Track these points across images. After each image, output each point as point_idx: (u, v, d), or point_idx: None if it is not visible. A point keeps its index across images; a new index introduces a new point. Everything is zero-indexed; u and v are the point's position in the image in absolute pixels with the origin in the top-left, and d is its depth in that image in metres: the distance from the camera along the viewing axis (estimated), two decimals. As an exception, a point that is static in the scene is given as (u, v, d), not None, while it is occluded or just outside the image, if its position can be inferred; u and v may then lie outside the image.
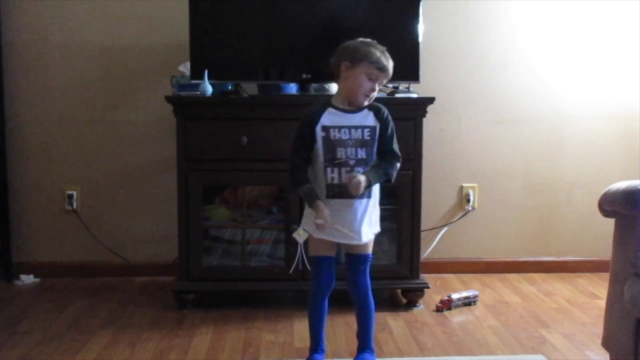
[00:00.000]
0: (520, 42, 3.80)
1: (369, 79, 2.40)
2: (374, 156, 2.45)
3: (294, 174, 2.45)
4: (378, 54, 2.40)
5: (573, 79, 3.83)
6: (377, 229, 2.54)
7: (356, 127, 2.43)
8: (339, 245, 2.53)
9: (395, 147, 2.49)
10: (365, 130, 2.43)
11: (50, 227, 3.75)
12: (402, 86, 3.33)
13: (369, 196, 2.45)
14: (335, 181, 2.42)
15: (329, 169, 2.42)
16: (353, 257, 2.52)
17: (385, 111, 2.48)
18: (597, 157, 3.87)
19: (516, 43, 3.80)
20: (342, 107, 2.45)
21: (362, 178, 2.37)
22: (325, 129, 2.43)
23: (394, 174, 2.48)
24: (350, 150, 2.42)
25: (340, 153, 2.42)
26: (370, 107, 2.47)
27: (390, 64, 2.42)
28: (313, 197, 2.40)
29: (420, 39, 3.28)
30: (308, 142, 2.43)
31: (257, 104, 3.26)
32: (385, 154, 2.46)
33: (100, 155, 3.72)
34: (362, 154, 2.42)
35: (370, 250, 2.53)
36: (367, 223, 2.47)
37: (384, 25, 3.27)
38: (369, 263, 2.53)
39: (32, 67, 3.67)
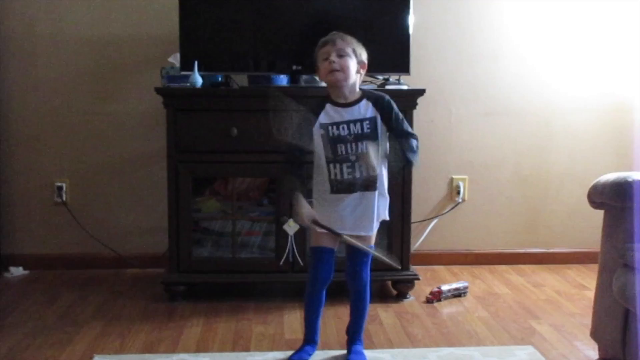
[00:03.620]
0: (510, 35, 3.81)
1: (324, 60, 2.40)
2: (382, 148, 2.43)
3: (292, 170, 2.48)
4: (324, 38, 2.43)
5: (563, 72, 3.84)
6: (384, 217, 2.53)
7: (355, 121, 2.42)
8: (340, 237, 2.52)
9: (408, 128, 2.48)
10: (365, 123, 2.42)
11: (39, 219, 3.73)
12: (393, 78, 3.33)
13: (375, 189, 2.45)
14: (338, 177, 2.42)
15: (331, 165, 2.42)
16: (355, 249, 2.50)
17: (385, 98, 2.47)
18: (587, 149, 3.89)
19: (506, 35, 3.80)
20: (340, 101, 2.44)
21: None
22: (324, 126, 2.42)
23: (415, 150, 2.45)
24: (351, 146, 2.41)
25: (340, 149, 2.42)
26: (369, 97, 2.45)
27: (334, 33, 2.42)
28: (300, 202, 2.42)
29: (411, 31, 3.28)
30: (305, 139, 2.42)
31: (247, 96, 3.25)
32: (402, 135, 2.45)
33: (89, 147, 3.71)
34: (363, 148, 2.40)
35: (372, 241, 2.52)
36: (375, 214, 2.47)
37: (375, 17, 3.27)
38: (371, 255, 2.52)
39: (20, 58, 3.64)
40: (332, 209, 2.45)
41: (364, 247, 2.45)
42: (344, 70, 2.39)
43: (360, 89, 2.49)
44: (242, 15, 3.27)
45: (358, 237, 2.46)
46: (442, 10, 3.75)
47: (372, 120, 2.43)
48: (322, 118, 2.43)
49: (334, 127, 2.42)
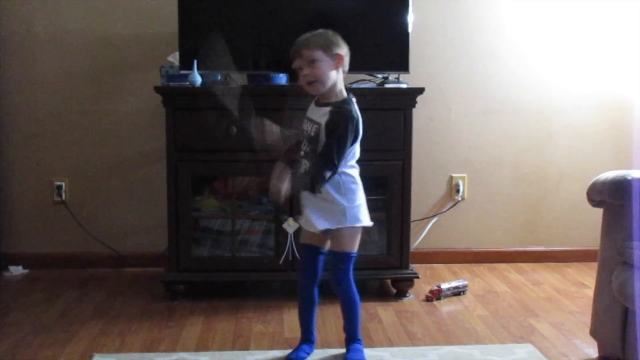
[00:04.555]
0: (509, 33, 3.80)
1: (300, 71, 2.39)
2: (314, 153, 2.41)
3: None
4: (292, 48, 2.40)
5: (562, 70, 3.84)
6: (351, 221, 2.44)
7: (312, 122, 2.42)
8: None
9: (331, 152, 2.33)
10: (315, 126, 2.40)
11: (39, 218, 3.73)
12: (392, 76, 3.33)
13: (316, 191, 2.39)
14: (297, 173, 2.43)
15: (303, 159, 2.46)
16: (333, 254, 2.50)
17: (341, 112, 2.35)
18: (586, 147, 3.89)
19: (506, 33, 3.80)
20: (321, 100, 2.44)
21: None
22: (303, 120, 2.47)
23: (317, 181, 2.36)
24: (305, 143, 2.44)
25: (305, 145, 2.45)
26: (336, 106, 2.38)
27: (297, 43, 2.38)
28: (274, 171, 2.41)
29: (410, 30, 3.28)
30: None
31: (247, 94, 3.24)
32: (320, 155, 2.36)
33: (89, 146, 3.71)
34: (307, 148, 2.42)
35: (349, 248, 2.46)
36: (322, 214, 2.42)
37: (374, 16, 3.27)
38: (349, 262, 2.47)
39: (19, 57, 3.64)
40: (303, 204, 2.49)
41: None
42: (319, 78, 2.36)
43: (345, 96, 2.41)
44: (241, 14, 3.27)
45: (333, 242, 2.48)
46: (441, 8, 3.75)
47: (319, 126, 2.38)
48: (307, 112, 2.47)
49: (305, 120, 2.46)
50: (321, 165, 2.35)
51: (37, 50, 3.64)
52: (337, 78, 2.40)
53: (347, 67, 2.43)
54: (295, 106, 2.56)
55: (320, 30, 2.42)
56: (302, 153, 2.44)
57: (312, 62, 2.35)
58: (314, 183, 2.37)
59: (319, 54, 2.35)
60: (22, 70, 3.65)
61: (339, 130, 2.34)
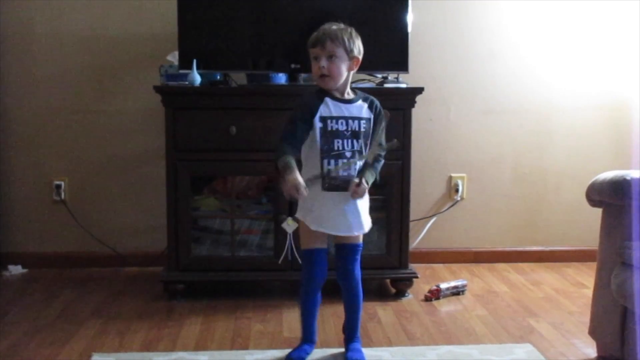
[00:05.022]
0: (509, 33, 3.81)
1: (314, 60, 2.39)
2: (367, 147, 2.44)
3: (279, 147, 2.35)
4: (315, 33, 2.39)
5: (562, 70, 3.85)
6: (369, 222, 2.54)
7: (353, 119, 2.41)
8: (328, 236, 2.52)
9: (383, 141, 2.47)
10: (362, 122, 2.42)
11: (38, 218, 3.73)
12: (391, 76, 3.33)
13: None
14: (333, 173, 2.39)
15: (325, 160, 2.39)
16: (345, 247, 2.51)
17: (378, 104, 2.48)
18: (585, 147, 3.89)
19: (505, 34, 3.80)
20: (338, 96, 2.43)
21: (365, 186, 2.39)
22: (323, 119, 2.39)
23: (376, 172, 2.47)
24: (347, 142, 2.41)
25: (337, 144, 2.40)
26: (364, 99, 2.46)
27: (324, 32, 2.37)
28: (290, 167, 2.29)
29: (410, 30, 3.28)
30: (302, 130, 2.37)
31: (246, 94, 3.25)
32: (373, 152, 2.43)
33: (88, 145, 3.71)
34: (357, 145, 2.41)
35: (361, 239, 2.53)
36: (365, 213, 2.48)
37: (374, 16, 3.27)
38: (360, 252, 2.53)
39: (18, 57, 3.63)
40: (321, 206, 2.42)
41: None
42: (333, 75, 2.37)
43: (352, 88, 2.48)
44: (240, 13, 3.27)
45: (346, 236, 2.48)
46: (441, 8, 3.75)
47: (368, 120, 2.44)
48: (323, 111, 2.40)
49: (334, 121, 2.40)
50: (378, 161, 2.46)
51: (36, 50, 3.64)
52: (348, 77, 2.43)
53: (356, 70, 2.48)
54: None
55: (344, 26, 2.43)
56: (348, 153, 2.39)
57: (331, 56, 2.36)
58: (377, 175, 2.47)
59: (341, 52, 2.37)
60: (22, 69, 3.65)
61: (383, 122, 2.46)
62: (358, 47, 2.42)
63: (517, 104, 3.84)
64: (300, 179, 2.28)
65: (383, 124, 2.47)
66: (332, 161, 2.39)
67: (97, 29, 3.63)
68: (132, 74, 3.66)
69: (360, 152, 2.42)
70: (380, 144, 2.45)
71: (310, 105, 2.40)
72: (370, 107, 2.45)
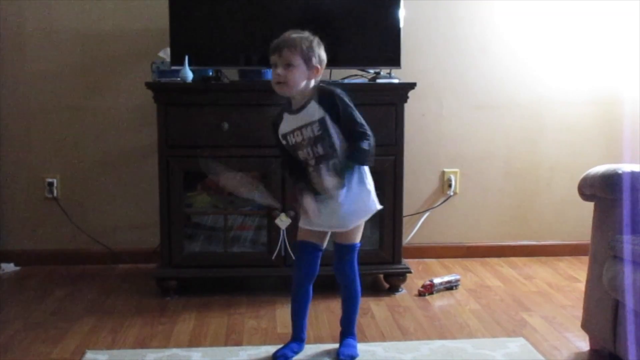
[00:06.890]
0: (501, 28, 3.81)
1: (273, 67, 2.35)
2: (338, 144, 2.37)
3: (288, 175, 2.50)
4: (276, 40, 2.36)
5: (553, 65, 3.85)
6: (374, 207, 2.49)
7: (306, 126, 2.36)
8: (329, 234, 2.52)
9: (358, 126, 2.35)
10: (314, 126, 2.35)
11: (30, 215, 3.72)
12: (384, 72, 3.33)
13: (343, 186, 2.38)
14: (314, 180, 2.40)
15: (308, 170, 2.43)
16: (340, 247, 2.52)
17: (334, 94, 2.35)
18: (577, 142, 3.90)
19: (497, 29, 3.81)
20: (292, 108, 2.40)
21: (329, 185, 2.33)
22: (284, 136, 2.43)
23: (366, 155, 2.36)
24: (307, 150, 2.39)
25: (302, 155, 2.41)
26: (319, 96, 2.36)
27: (283, 40, 2.33)
28: (305, 191, 2.40)
29: (402, 25, 3.28)
30: (284, 151, 2.48)
31: (238, 90, 3.24)
32: (350, 136, 2.36)
33: (80, 142, 3.70)
34: (320, 150, 2.37)
35: (357, 239, 2.52)
36: (354, 209, 2.43)
37: (366, 11, 3.26)
38: (355, 252, 2.53)
39: (10, 53, 3.62)
40: (314, 209, 2.41)
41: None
42: (288, 83, 2.32)
43: (314, 86, 2.39)
44: (232, 9, 3.26)
45: (341, 234, 2.49)
46: (433, 4, 3.75)
47: (321, 121, 2.35)
48: (282, 128, 2.42)
49: (291, 135, 2.40)
50: (360, 142, 2.34)
51: (28, 46, 3.62)
52: (306, 85, 2.37)
53: (319, 78, 2.41)
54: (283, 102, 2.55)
55: (306, 34, 2.37)
56: (312, 161, 2.39)
57: (288, 65, 2.32)
58: (364, 159, 2.36)
59: (298, 61, 2.32)
60: (13, 66, 3.63)
61: (343, 106, 2.34)
62: (318, 57, 2.35)
63: (509, 99, 3.85)
64: (313, 205, 2.37)
65: (342, 112, 2.33)
66: (310, 170, 2.41)
67: (88, 26, 3.62)
68: (124, 71, 3.65)
69: (324, 156, 2.36)
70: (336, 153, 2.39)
71: (275, 126, 2.45)
72: (322, 102, 2.35)
